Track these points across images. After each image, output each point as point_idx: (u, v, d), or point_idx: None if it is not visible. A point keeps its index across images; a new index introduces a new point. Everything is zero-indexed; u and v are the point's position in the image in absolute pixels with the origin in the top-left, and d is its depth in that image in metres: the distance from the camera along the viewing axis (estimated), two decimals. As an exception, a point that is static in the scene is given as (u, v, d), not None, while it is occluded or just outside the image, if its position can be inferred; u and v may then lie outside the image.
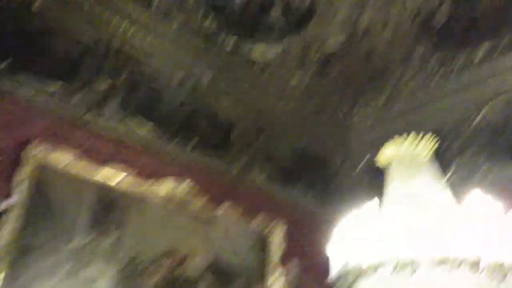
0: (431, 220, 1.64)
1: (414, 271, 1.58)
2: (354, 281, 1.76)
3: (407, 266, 1.58)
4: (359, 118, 4.22)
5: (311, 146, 4.33)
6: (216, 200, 3.47)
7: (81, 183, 2.82)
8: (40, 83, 2.78)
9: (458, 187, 3.62)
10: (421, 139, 2.05)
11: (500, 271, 1.56)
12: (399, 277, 1.62)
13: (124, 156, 3.07)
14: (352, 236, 1.82)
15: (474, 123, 3.65)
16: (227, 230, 3.45)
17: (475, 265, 1.55)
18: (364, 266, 1.70)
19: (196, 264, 3.19)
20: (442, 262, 1.54)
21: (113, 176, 2.97)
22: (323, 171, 4.39)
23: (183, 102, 3.48)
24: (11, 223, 2.46)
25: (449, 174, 3.70)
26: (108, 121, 3.07)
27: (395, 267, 1.61)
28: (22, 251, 2.48)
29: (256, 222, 3.62)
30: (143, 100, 3.29)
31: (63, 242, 2.63)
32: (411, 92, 3.90)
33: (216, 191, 3.51)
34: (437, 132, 3.93)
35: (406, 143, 2.05)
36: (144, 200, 3.08)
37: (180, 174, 3.32)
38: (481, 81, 3.64)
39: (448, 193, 1.94)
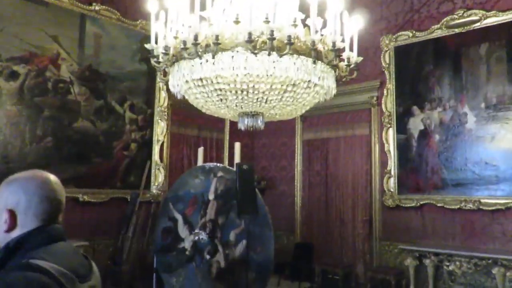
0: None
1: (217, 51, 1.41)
2: (169, 58, 1.58)
3: (212, 45, 1.40)
4: None
5: None
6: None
7: None
8: None
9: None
10: None
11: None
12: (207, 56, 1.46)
13: None
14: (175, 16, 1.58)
15: None
16: (106, 32, 3.12)
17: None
18: (177, 44, 1.51)
19: (68, 67, 2.92)
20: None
21: None
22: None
23: None
24: None
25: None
26: None
27: (201, 47, 1.43)
28: None
29: (140, 25, 3.30)
30: None
31: None
32: None
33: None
34: None
35: None
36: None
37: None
38: None
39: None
